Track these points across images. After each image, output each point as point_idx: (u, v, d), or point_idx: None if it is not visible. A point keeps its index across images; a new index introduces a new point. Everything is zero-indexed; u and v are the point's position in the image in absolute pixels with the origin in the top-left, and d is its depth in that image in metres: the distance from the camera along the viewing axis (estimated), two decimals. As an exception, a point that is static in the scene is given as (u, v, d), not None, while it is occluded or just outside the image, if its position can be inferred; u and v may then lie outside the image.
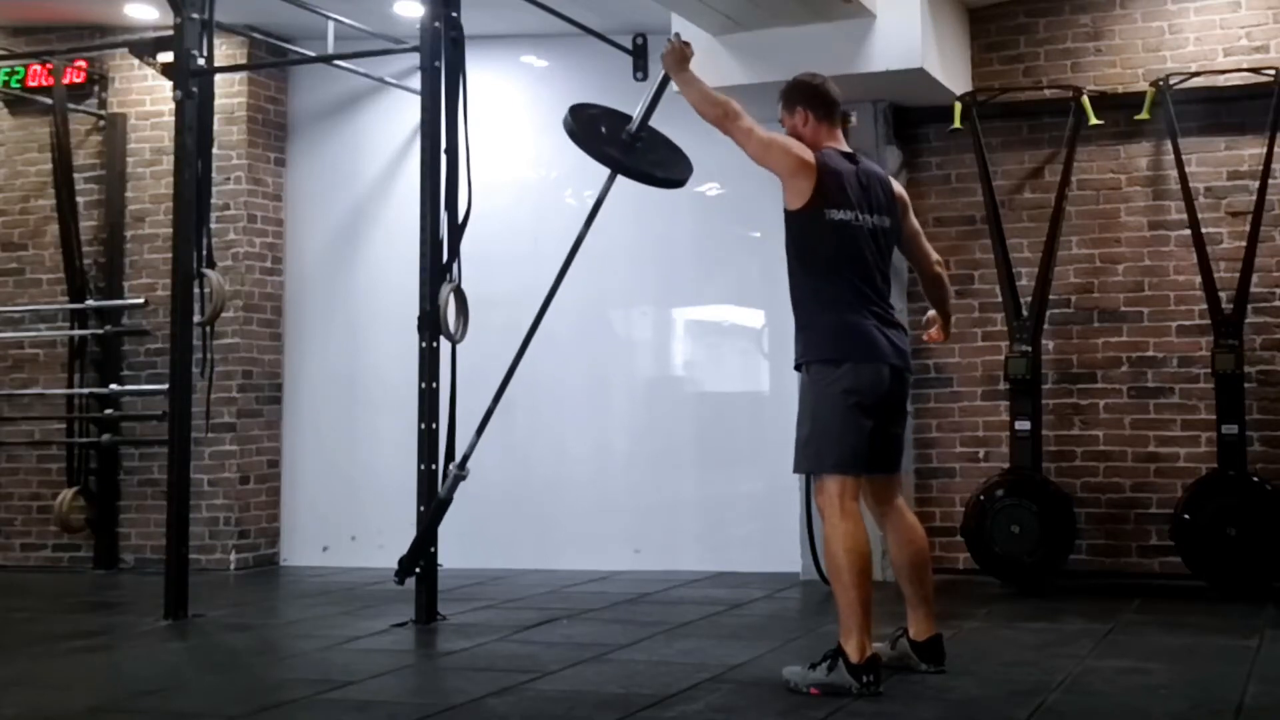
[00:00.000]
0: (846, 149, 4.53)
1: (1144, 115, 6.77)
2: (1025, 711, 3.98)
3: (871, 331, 4.35)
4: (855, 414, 4.29)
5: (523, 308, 7.97)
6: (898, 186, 4.66)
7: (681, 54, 4.69)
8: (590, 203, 8.01)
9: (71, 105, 8.34)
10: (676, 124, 5.41)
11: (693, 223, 7.96)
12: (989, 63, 7.23)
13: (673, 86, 4.94)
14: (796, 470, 4.46)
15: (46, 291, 8.48)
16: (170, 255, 6.58)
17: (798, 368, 4.45)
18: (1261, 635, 5.23)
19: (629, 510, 7.89)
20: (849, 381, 4.29)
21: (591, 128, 5.29)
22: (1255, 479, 6.36)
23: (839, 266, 4.35)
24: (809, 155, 4.37)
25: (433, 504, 5.77)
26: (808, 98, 4.54)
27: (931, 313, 4.79)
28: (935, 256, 4.79)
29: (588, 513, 7.91)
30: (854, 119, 7.02)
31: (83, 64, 8.34)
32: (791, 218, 4.40)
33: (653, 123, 5.33)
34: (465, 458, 5.80)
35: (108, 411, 8.21)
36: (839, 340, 4.33)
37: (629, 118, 5.31)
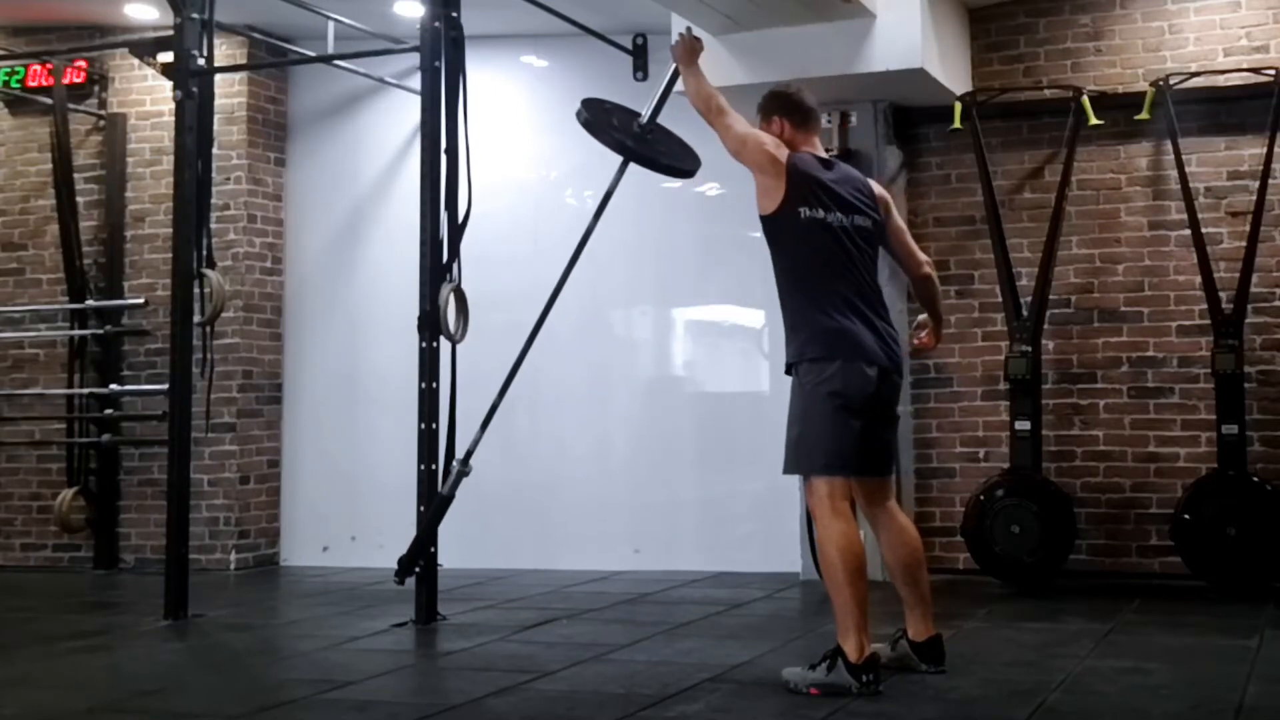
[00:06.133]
0: (823, 154, 4.57)
1: (1144, 115, 6.77)
2: (1025, 711, 3.98)
3: (858, 331, 4.34)
4: (843, 415, 4.29)
5: (523, 308, 8.00)
6: (878, 188, 4.66)
7: (691, 47, 4.82)
8: (591, 203, 8.01)
9: (71, 105, 8.34)
10: (681, 121, 5.43)
11: (693, 223, 7.97)
12: (989, 63, 7.23)
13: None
14: (786, 472, 4.46)
15: (46, 291, 8.48)
16: (170, 255, 6.58)
17: (788, 371, 4.46)
18: (1261, 635, 5.23)
19: (629, 510, 7.89)
20: (836, 384, 4.29)
21: (604, 119, 5.42)
22: (1255, 479, 6.36)
23: (820, 267, 4.36)
24: (781, 154, 4.42)
25: (435, 501, 5.77)
26: (784, 107, 4.58)
27: (923, 316, 4.78)
28: (923, 258, 4.79)
29: (588, 513, 7.91)
30: (854, 119, 7.10)
31: (83, 64, 8.34)
32: (768, 222, 4.43)
33: (660, 120, 5.45)
34: (469, 454, 5.80)
35: (108, 411, 8.21)
36: (825, 341, 4.33)
37: (639, 114, 5.45)
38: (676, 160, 5.60)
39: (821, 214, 4.37)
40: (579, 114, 5.34)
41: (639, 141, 5.42)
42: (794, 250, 4.38)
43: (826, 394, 4.29)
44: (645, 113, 5.42)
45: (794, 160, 4.40)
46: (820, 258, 4.36)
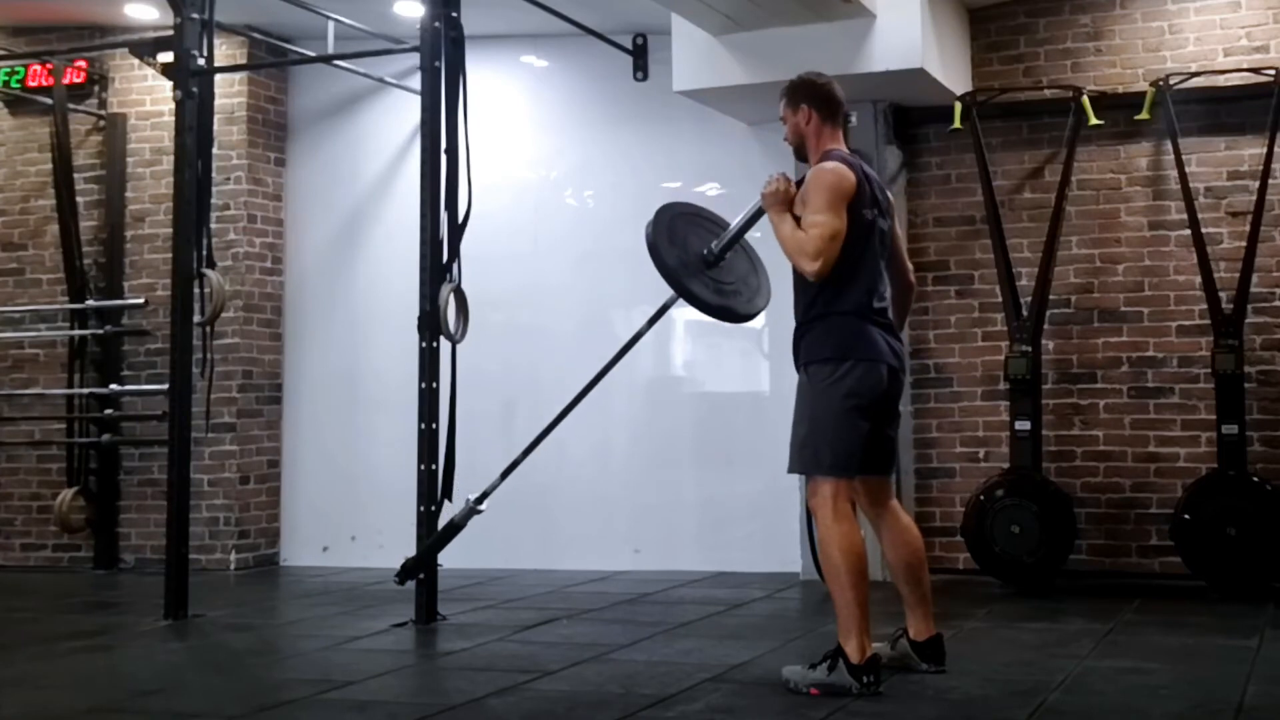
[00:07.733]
0: (848, 150, 4.54)
1: (1144, 115, 6.78)
2: (1025, 711, 3.98)
3: (873, 333, 4.37)
4: (854, 416, 4.29)
5: (523, 308, 8.05)
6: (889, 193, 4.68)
7: (786, 194, 4.42)
8: (591, 203, 8.06)
9: (71, 105, 8.34)
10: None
11: (693, 223, 7.95)
12: (989, 63, 7.23)
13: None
14: (792, 471, 4.45)
15: (46, 291, 8.48)
16: (170, 255, 6.58)
17: (803, 367, 4.44)
18: (1261, 635, 5.23)
19: (629, 510, 7.89)
20: (850, 383, 4.29)
21: (675, 235, 4.80)
22: (1255, 479, 6.36)
23: (858, 266, 4.35)
24: (848, 177, 4.34)
25: (445, 527, 5.75)
26: (814, 97, 4.54)
27: None
28: (911, 267, 4.81)
29: (588, 513, 7.90)
30: (854, 119, 7.08)
31: (83, 64, 8.34)
32: None
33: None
34: (484, 495, 5.72)
35: (108, 411, 8.21)
36: (841, 340, 4.33)
37: (723, 225, 4.85)
38: (739, 301, 4.91)
39: (874, 215, 4.40)
40: (646, 230, 4.71)
41: (699, 274, 4.77)
42: (844, 249, 4.31)
43: (841, 395, 4.28)
44: (721, 240, 4.78)
45: (854, 168, 4.38)
46: (862, 257, 4.36)
